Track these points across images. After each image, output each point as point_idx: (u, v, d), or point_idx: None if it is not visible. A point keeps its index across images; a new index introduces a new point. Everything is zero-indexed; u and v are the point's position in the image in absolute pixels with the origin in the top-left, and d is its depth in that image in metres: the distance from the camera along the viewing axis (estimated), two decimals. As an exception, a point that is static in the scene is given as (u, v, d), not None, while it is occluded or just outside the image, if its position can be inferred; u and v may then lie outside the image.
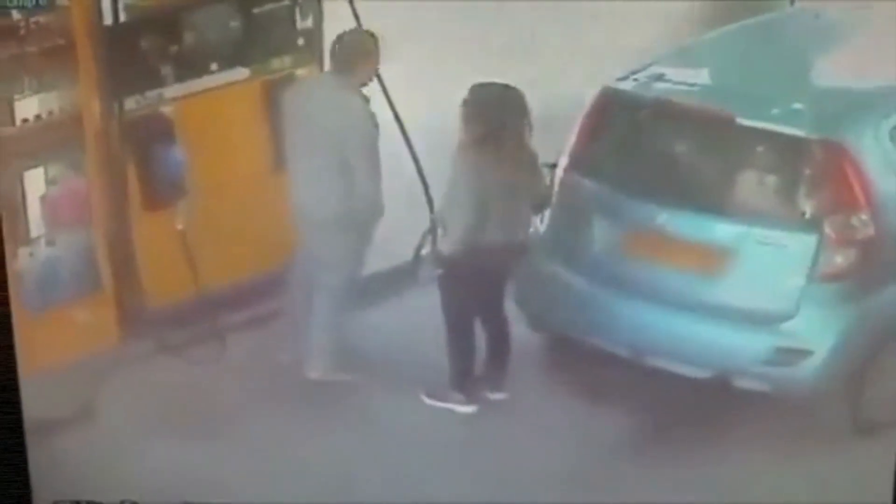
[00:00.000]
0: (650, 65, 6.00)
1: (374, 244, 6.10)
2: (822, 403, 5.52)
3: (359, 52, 5.77)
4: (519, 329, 5.87)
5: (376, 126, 5.72)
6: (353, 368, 5.91)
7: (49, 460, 5.07)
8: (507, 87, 5.62)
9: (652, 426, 5.64)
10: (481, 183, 5.55)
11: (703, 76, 6.12)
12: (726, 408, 5.53)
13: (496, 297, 5.78)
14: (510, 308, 5.84)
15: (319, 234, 5.79)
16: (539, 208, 5.83)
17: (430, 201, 6.32)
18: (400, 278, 6.33)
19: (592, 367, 5.78)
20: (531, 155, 5.68)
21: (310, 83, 6.00)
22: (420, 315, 5.96)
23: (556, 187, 5.91)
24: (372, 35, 5.81)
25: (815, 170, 5.51)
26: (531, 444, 5.59)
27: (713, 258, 5.57)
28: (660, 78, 5.92)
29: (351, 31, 5.90)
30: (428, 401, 5.81)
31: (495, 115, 5.58)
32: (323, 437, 5.61)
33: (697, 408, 5.56)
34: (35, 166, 5.66)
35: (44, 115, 5.66)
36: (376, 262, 6.34)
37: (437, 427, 5.70)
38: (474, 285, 5.69)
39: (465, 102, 5.59)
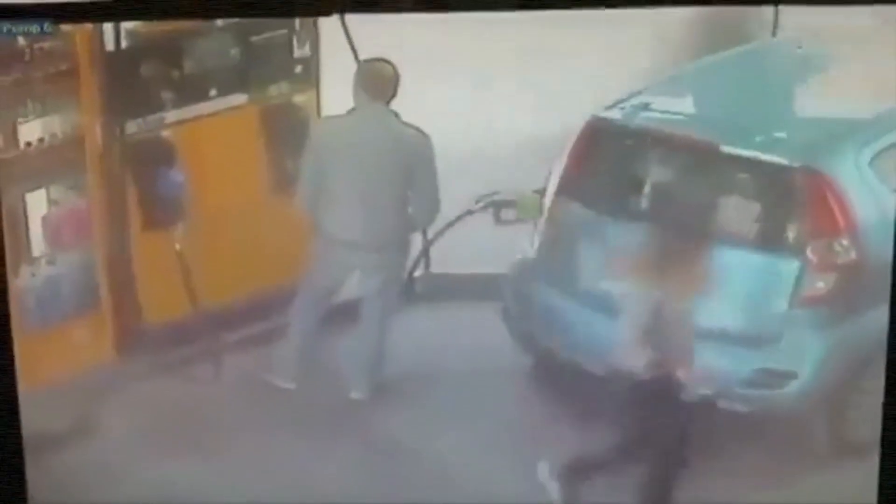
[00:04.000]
0: (636, 94, 5.93)
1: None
2: (805, 424, 5.43)
3: (390, 78, 5.75)
4: (505, 346, 5.80)
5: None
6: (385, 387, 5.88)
7: (47, 475, 5.00)
8: None
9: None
10: None
11: (687, 105, 6.10)
12: (710, 429, 5.38)
13: None
14: (497, 324, 5.76)
15: (366, 257, 5.78)
16: None
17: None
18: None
19: (578, 387, 5.64)
20: None
21: (356, 116, 5.86)
22: (415, 332, 5.89)
23: (545, 211, 5.86)
24: (390, 62, 5.81)
25: (797, 196, 5.45)
26: (514, 463, 5.48)
27: (698, 282, 5.37)
28: (646, 107, 5.87)
29: (374, 60, 5.84)
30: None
31: None
32: (320, 457, 5.52)
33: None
34: (37, 188, 5.59)
35: (47, 139, 5.60)
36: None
37: (431, 447, 5.60)
38: None
39: None
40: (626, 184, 5.75)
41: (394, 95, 5.78)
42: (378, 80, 5.78)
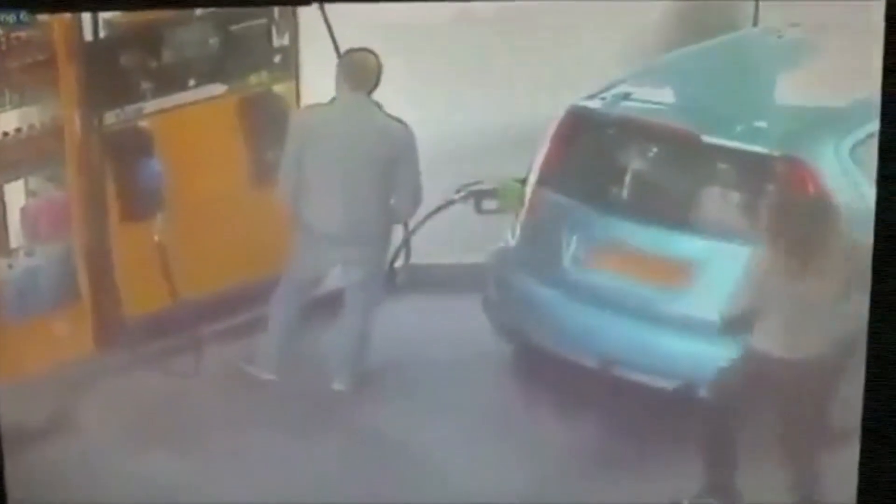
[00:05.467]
0: (618, 83, 5.89)
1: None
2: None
3: (373, 69, 5.71)
4: (486, 337, 5.76)
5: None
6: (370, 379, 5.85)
7: (26, 471, 4.96)
8: None
9: (618, 436, 5.50)
10: None
11: (668, 95, 6.04)
12: (693, 418, 5.38)
13: None
14: (478, 314, 5.73)
15: (347, 250, 5.77)
16: None
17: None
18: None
19: (560, 377, 5.62)
20: None
21: (338, 106, 5.81)
22: (396, 322, 5.85)
23: (526, 202, 5.82)
24: (373, 52, 5.77)
25: (777, 185, 5.40)
26: (496, 453, 5.48)
27: (678, 271, 5.47)
28: (626, 97, 5.82)
29: (357, 51, 5.78)
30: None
31: None
32: (303, 448, 5.49)
33: (664, 418, 5.42)
34: (15, 178, 5.55)
35: (24, 129, 5.55)
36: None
37: (414, 437, 5.58)
38: None
39: None
40: (606, 173, 5.72)
41: (376, 86, 5.74)
42: (361, 71, 5.73)
